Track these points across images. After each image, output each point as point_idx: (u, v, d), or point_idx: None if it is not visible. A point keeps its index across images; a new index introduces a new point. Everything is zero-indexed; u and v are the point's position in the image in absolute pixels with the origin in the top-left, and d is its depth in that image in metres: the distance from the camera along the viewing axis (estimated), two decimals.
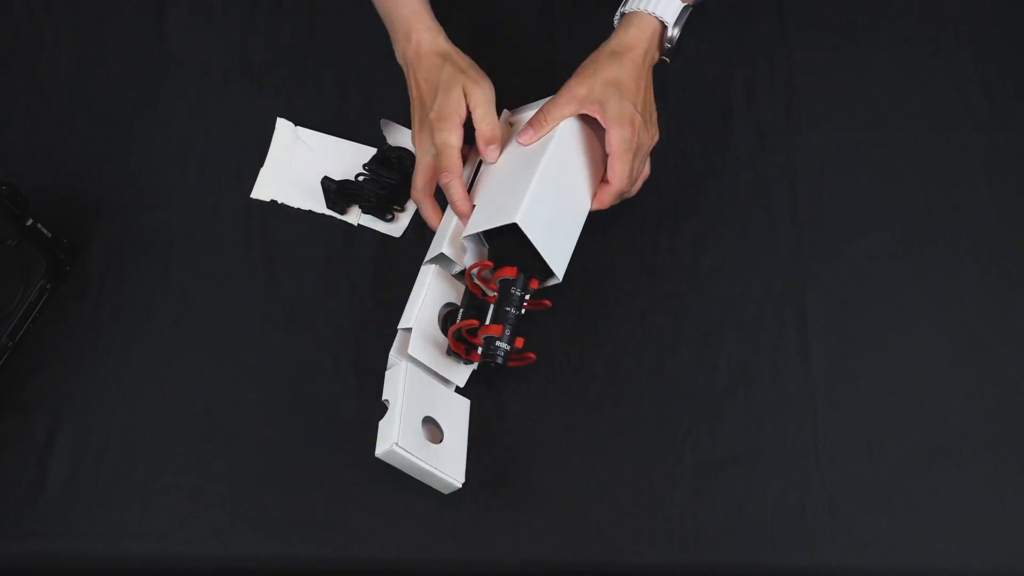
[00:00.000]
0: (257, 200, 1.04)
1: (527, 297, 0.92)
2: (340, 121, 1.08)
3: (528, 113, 0.98)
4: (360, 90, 1.09)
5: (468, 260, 0.95)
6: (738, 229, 1.04)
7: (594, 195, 0.96)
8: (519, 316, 0.91)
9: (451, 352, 0.93)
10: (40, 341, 0.97)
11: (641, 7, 0.96)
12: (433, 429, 0.90)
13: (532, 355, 0.92)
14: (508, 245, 0.91)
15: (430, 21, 0.97)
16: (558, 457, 0.93)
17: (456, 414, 0.93)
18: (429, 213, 0.98)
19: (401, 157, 1.02)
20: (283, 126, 1.07)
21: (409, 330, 0.92)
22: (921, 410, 0.96)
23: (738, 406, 0.96)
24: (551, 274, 0.93)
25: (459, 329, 0.91)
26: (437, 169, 0.94)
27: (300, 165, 1.05)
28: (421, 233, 1.02)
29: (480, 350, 0.90)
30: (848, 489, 0.93)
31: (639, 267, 1.01)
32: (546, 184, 0.92)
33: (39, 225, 0.94)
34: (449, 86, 0.94)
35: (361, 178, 1.02)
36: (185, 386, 0.96)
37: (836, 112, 1.10)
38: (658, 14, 0.96)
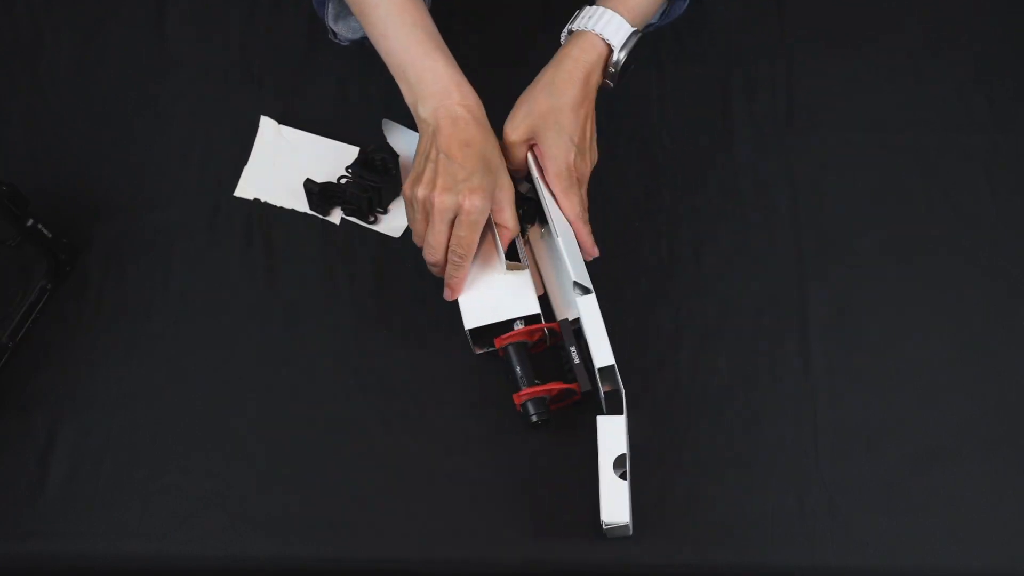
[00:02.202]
0: (256, 200, 1.04)
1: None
2: (339, 121, 1.08)
3: None
4: (360, 90, 1.09)
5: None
6: (738, 229, 1.04)
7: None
8: None
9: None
10: (40, 341, 0.97)
11: (589, 26, 0.93)
12: None
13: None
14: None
15: (468, 83, 0.92)
16: (558, 457, 0.93)
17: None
18: (464, 276, 0.94)
19: (384, 159, 1.02)
20: (266, 124, 1.07)
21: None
22: (921, 410, 0.96)
23: (738, 406, 0.96)
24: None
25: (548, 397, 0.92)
26: (455, 238, 0.90)
27: (283, 164, 1.05)
28: None
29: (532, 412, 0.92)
30: (848, 489, 0.93)
31: (639, 267, 1.01)
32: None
33: (39, 225, 0.94)
34: (491, 168, 0.90)
35: (344, 180, 1.02)
36: (185, 386, 0.96)
37: (836, 112, 1.10)
38: (606, 36, 0.93)
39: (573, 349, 0.92)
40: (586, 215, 0.95)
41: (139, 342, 0.97)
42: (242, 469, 0.92)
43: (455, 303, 0.96)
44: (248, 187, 1.05)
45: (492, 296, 0.94)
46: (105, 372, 0.96)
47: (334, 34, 1.08)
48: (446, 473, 0.92)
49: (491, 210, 0.92)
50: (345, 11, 1.05)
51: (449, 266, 0.92)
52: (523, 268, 0.95)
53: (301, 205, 1.03)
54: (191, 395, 0.95)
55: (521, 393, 0.91)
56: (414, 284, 1.00)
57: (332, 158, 1.05)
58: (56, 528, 0.90)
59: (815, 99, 1.10)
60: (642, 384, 0.96)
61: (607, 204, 1.02)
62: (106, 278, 1.00)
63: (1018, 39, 1.14)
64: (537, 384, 0.91)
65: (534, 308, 0.93)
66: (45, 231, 0.95)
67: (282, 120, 1.08)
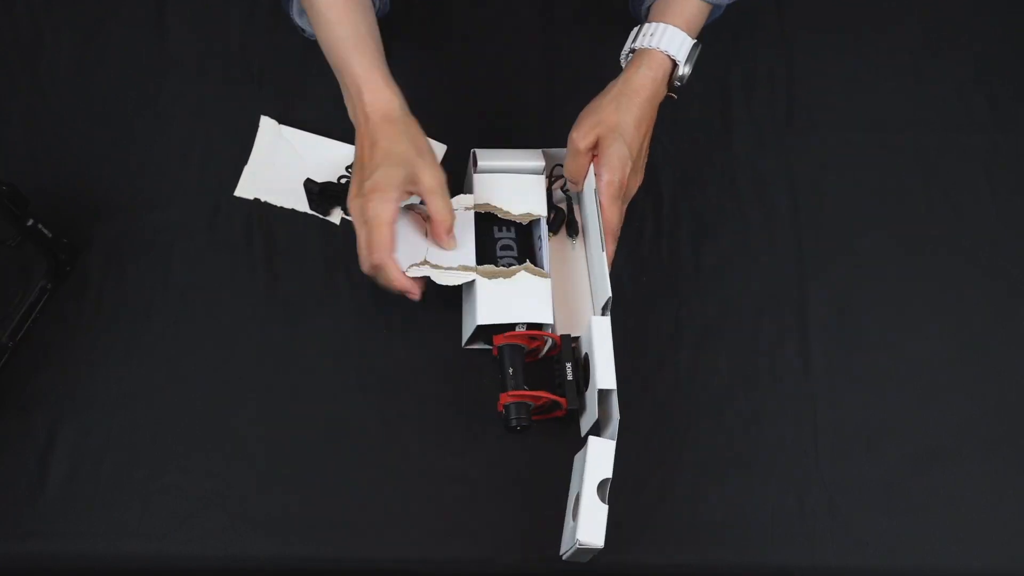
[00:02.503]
0: (255, 200, 1.04)
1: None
2: (339, 121, 1.07)
3: (495, 162, 0.98)
4: None
5: None
6: (738, 229, 1.04)
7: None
8: None
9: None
10: (40, 341, 0.97)
11: (652, 44, 0.94)
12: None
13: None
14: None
15: (384, 81, 0.91)
16: (558, 457, 0.93)
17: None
18: (397, 277, 0.90)
19: None
20: (266, 124, 1.07)
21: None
22: (921, 410, 0.96)
23: (738, 406, 0.96)
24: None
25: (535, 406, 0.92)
26: (367, 244, 0.88)
27: (283, 164, 1.05)
28: None
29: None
30: (848, 489, 0.93)
31: (639, 267, 1.01)
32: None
33: (39, 225, 0.94)
34: (397, 162, 0.88)
35: (344, 180, 1.02)
36: (185, 386, 0.96)
37: (836, 112, 1.10)
38: (671, 52, 0.93)
39: (569, 365, 0.92)
40: (618, 233, 0.95)
41: (139, 342, 0.97)
42: (242, 469, 0.92)
43: (457, 302, 0.96)
44: (248, 187, 1.05)
45: (510, 296, 0.93)
46: (105, 372, 0.96)
47: (302, 31, 1.08)
48: (446, 473, 0.92)
49: (425, 203, 0.91)
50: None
51: (378, 273, 0.90)
52: (546, 276, 0.95)
53: (301, 205, 1.03)
54: (191, 395, 0.95)
55: (508, 395, 0.90)
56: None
57: (332, 158, 1.05)
58: (56, 528, 0.90)
59: (815, 99, 1.10)
60: (642, 384, 0.96)
61: None
62: (106, 278, 1.00)
63: (1018, 39, 1.14)
64: (526, 389, 0.91)
65: (548, 318, 0.93)
66: (45, 231, 0.95)
67: (282, 120, 1.08)
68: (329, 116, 1.08)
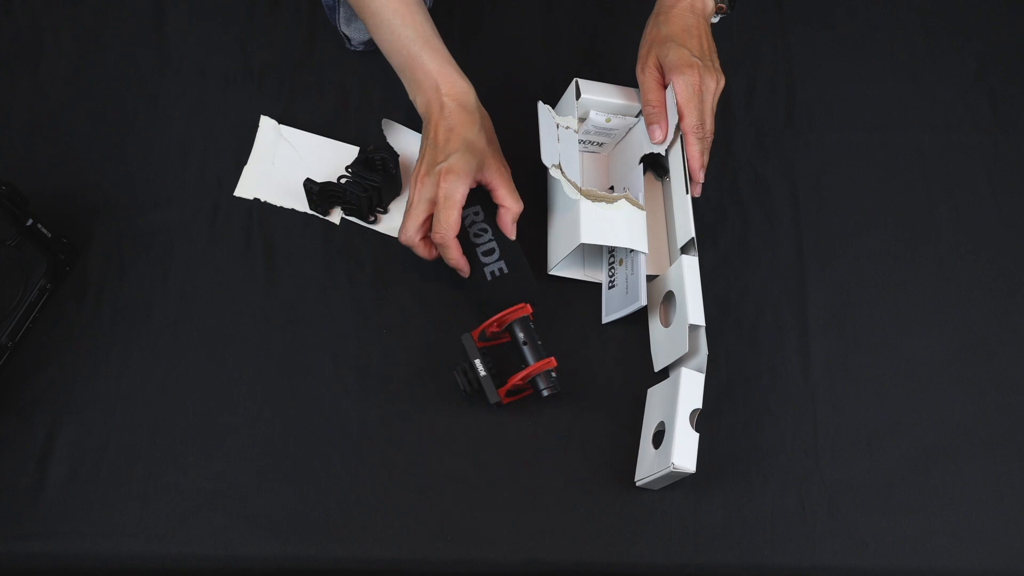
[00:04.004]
0: (255, 200, 1.04)
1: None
2: (339, 121, 1.08)
3: (596, 96, 1.00)
4: (360, 90, 1.09)
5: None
6: (738, 229, 1.04)
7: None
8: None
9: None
10: (40, 341, 0.97)
11: None
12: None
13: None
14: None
15: (458, 74, 0.95)
16: (557, 457, 0.93)
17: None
18: (425, 252, 0.95)
19: (384, 159, 1.02)
20: (266, 124, 1.07)
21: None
22: (921, 410, 0.96)
23: (738, 406, 0.96)
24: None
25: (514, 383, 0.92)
26: (435, 221, 0.92)
27: (283, 163, 1.06)
28: None
29: (540, 388, 0.91)
30: (848, 489, 0.93)
31: None
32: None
33: (39, 225, 0.94)
34: (472, 150, 0.93)
35: (344, 180, 1.02)
36: (185, 386, 0.96)
37: (836, 112, 1.10)
38: None
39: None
40: (702, 133, 0.95)
41: (139, 342, 0.97)
42: (242, 469, 0.92)
43: (458, 302, 0.96)
44: (248, 187, 1.05)
45: (612, 220, 0.95)
46: (105, 372, 0.96)
47: (348, 40, 1.09)
48: (446, 473, 0.92)
49: (492, 192, 0.95)
50: (354, 14, 1.06)
51: (440, 250, 0.94)
52: (642, 208, 0.97)
53: (301, 205, 1.03)
54: (191, 395, 0.95)
55: (535, 367, 0.90)
56: (414, 284, 1.00)
57: (332, 158, 1.05)
58: (56, 528, 0.90)
59: (815, 99, 1.10)
60: (642, 384, 0.96)
61: None
62: (106, 278, 1.00)
63: (1018, 39, 1.14)
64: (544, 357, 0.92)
65: (643, 246, 0.95)
66: (45, 231, 0.95)
67: (282, 120, 1.08)
68: (329, 116, 1.08)
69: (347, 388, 0.96)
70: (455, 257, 0.94)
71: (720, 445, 0.94)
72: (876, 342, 0.99)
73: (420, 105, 0.97)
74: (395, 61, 0.98)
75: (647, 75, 0.97)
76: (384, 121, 1.06)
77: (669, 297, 0.95)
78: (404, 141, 1.06)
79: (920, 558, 0.90)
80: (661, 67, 0.96)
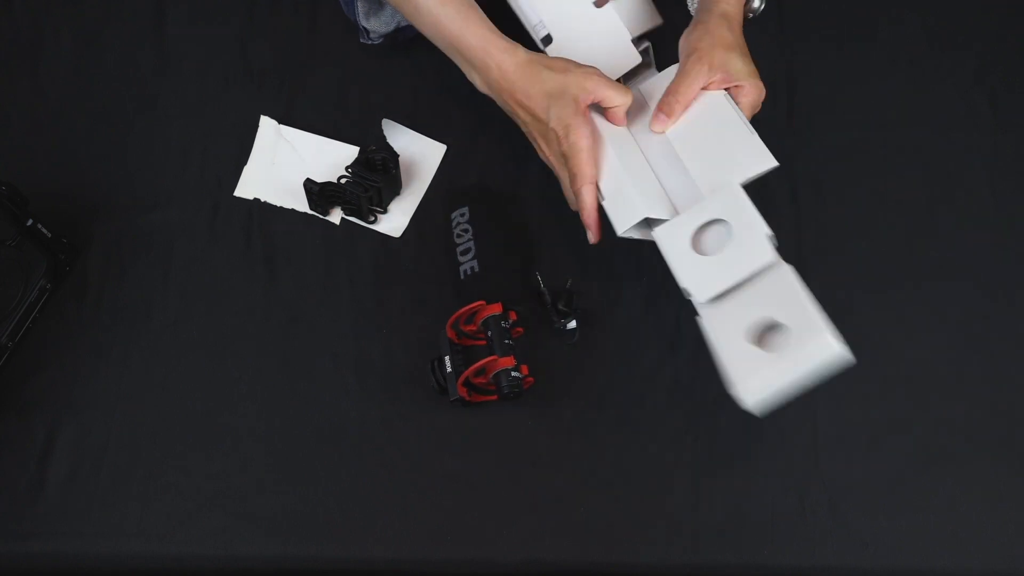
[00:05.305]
0: (255, 200, 1.04)
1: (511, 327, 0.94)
2: (339, 121, 1.08)
3: (654, 84, 0.97)
4: (360, 90, 1.09)
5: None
6: None
7: None
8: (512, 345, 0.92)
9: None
10: (40, 341, 0.97)
11: None
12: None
13: (531, 379, 0.93)
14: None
15: (503, 40, 0.93)
16: (558, 457, 0.93)
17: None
18: (589, 205, 0.92)
19: (384, 159, 1.02)
20: (266, 124, 1.07)
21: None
22: (921, 410, 0.96)
23: (737, 406, 0.96)
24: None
25: (467, 377, 0.91)
26: (571, 177, 0.91)
27: (283, 163, 1.05)
28: (421, 233, 1.02)
29: (502, 385, 0.91)
30: (848, 489, 0.93)
31: (639, 266, 1.01)
32: None
33: (39, 225, 0.94)
34: (557, 92, 0.90)
35: (344, 180, 1.02)
36: (185, 386, 0.96)
37: (836, 112, 1.10)
38: None
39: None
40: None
41: (139, 342, 0.97)
42: (242, 469, 0.93)
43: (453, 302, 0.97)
44: (248, 187, 1.05)
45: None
46: (105, 372, 0.96)
47: (366, 33, 1.08)
48: (446, 473, 0.92)
49: (601, 106, 0.92)
50: (375, 7, 1.06)
51: (578, 204, 0.92)
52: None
53: (301, 205, 1.03)
54: (191, 395, 0.95)
55: (481, 363, 0.90)
56: (414, 284, 1.00)
57: (332, 158, 1.05)
58: (56, 528, 0.90)
59: (815, 99, 1.10)
60: (642, 384, 0.96)
61: None
62: (106, 278, 1.00)
63: (1019, 39, 1.14)
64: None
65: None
66: (45, 231, 0.95)
67: (282, 120, 1.08)
68: (329, 116, 1.08)
69: (347, 388, 0.96)
70: (589, 206, 0.91)
71: (720, 444, 0.94)
72: (876, 342, 0.99)
73: (479, 84, 0.95)
74: (442, 46, 0.97)
75: (700, 70, 0.92)
76: (384, 121, 1.06)
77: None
78: (404, 141, 1.06)
79: (920, 558, 0.90)
80: (721, 70, 0.93)
